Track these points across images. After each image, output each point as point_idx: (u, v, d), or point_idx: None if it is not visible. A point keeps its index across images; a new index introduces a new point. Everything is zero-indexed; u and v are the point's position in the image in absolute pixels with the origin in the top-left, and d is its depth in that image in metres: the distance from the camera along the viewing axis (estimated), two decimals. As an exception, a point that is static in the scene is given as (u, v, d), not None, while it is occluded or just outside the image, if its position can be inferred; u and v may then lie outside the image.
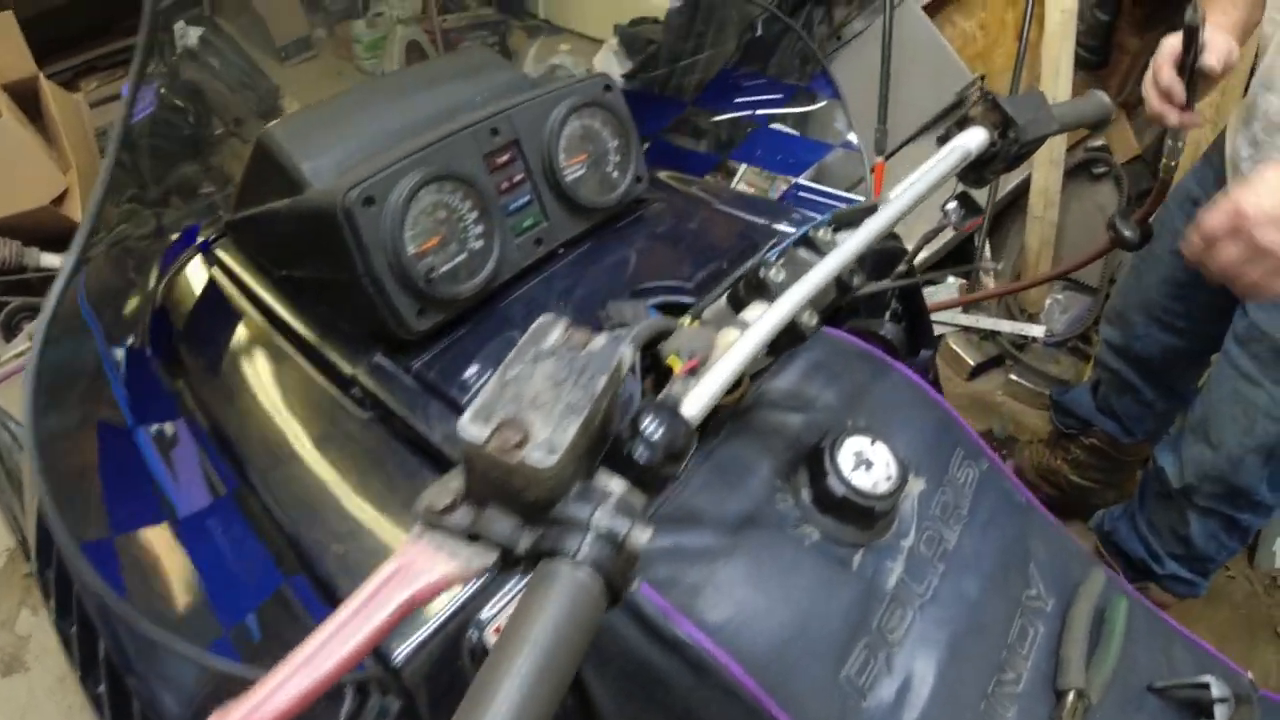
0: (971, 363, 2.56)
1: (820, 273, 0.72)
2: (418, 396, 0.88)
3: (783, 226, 1.09)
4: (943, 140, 0.92)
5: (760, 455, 0.81)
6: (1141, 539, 1.77)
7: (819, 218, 0.81)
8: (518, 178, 1.01)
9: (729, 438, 0.83)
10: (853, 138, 1.19)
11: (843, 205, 1.25)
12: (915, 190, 0.82)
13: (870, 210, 0.81)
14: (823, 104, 1.35)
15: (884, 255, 1.05)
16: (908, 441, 0.85)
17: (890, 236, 1.06)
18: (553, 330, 0.51)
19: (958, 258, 2.75)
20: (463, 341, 0.96)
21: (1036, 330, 2.51)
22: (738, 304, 0.75)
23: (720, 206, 1.19)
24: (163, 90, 3.71)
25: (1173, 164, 1.43)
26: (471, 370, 0.92)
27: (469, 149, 0.96)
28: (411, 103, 1.07)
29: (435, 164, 0.92)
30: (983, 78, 2.75)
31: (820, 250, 0.77)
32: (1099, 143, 2.66)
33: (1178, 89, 1.19)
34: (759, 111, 1.30)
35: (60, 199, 2.96)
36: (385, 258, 0.89)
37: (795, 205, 1.26)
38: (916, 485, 0.83)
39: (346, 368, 0.96)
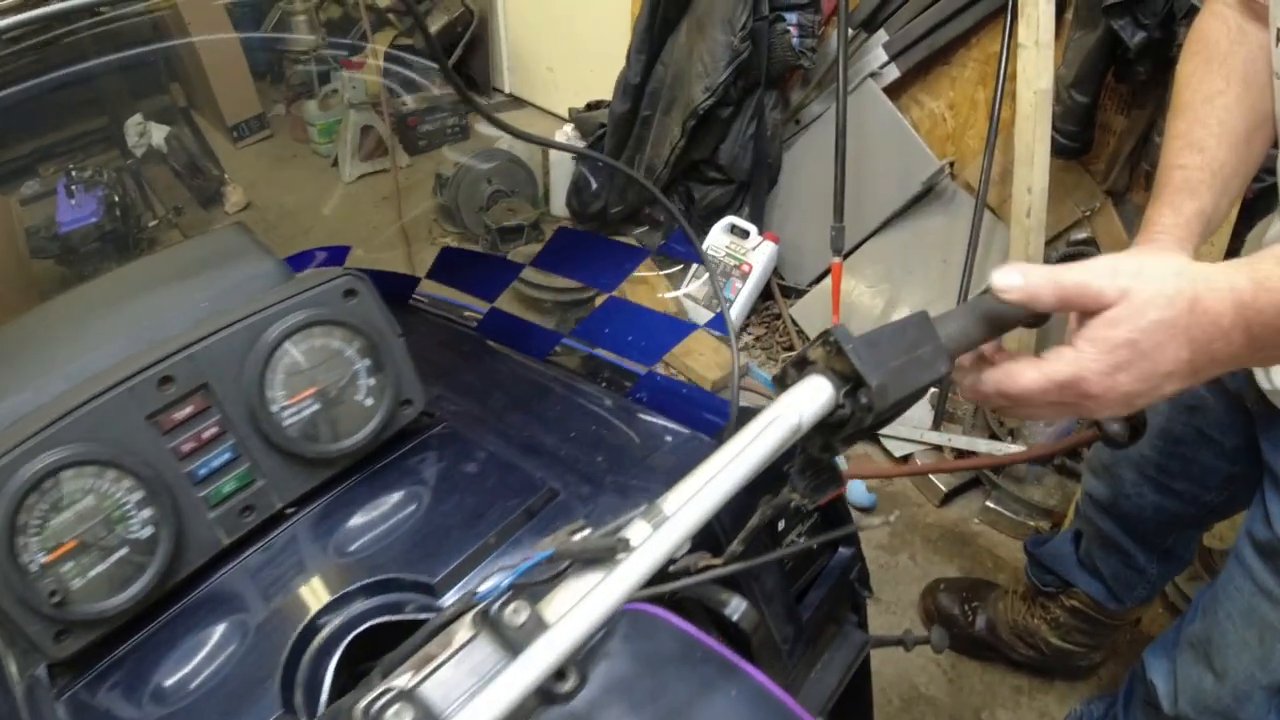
0: (943, 487, 2.27)
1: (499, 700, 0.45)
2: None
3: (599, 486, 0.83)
4: (779, 381, 0.65)
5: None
6: (1124, 748, 1.47)
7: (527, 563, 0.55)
8: (210, 432, 0.76)
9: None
10: (731, 315, 0.93)
11: (702, 407, 0.99)
12: (704, 503, 0.55)
13: (609, 550, 0.55)
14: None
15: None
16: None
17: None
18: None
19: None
20: (128, 661, 0.71)
21: (1015, 450, 2.22)
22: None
23: (542, 421, 0.93)
24: (106, 193, 3.56)
25: None
26: (134, 699, 0.68)
27: (125, 411, 0.71)
28: (106, 327, 0.83)
29: (64, 446, 0.68)
30: (952, 164, 2.50)
31: (506, 635, 0.51)
32: (1084, 235, 2.39)
33: None
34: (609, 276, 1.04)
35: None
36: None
37: (648, 404, 1.00)
38: None
39: (15, 677, 0.72)
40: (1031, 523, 2.20)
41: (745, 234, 2.71)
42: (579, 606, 0.49)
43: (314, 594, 0.73)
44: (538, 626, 0.52)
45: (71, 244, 3.33)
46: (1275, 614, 1.11)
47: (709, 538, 0.76)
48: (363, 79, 3.68)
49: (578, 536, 0.60)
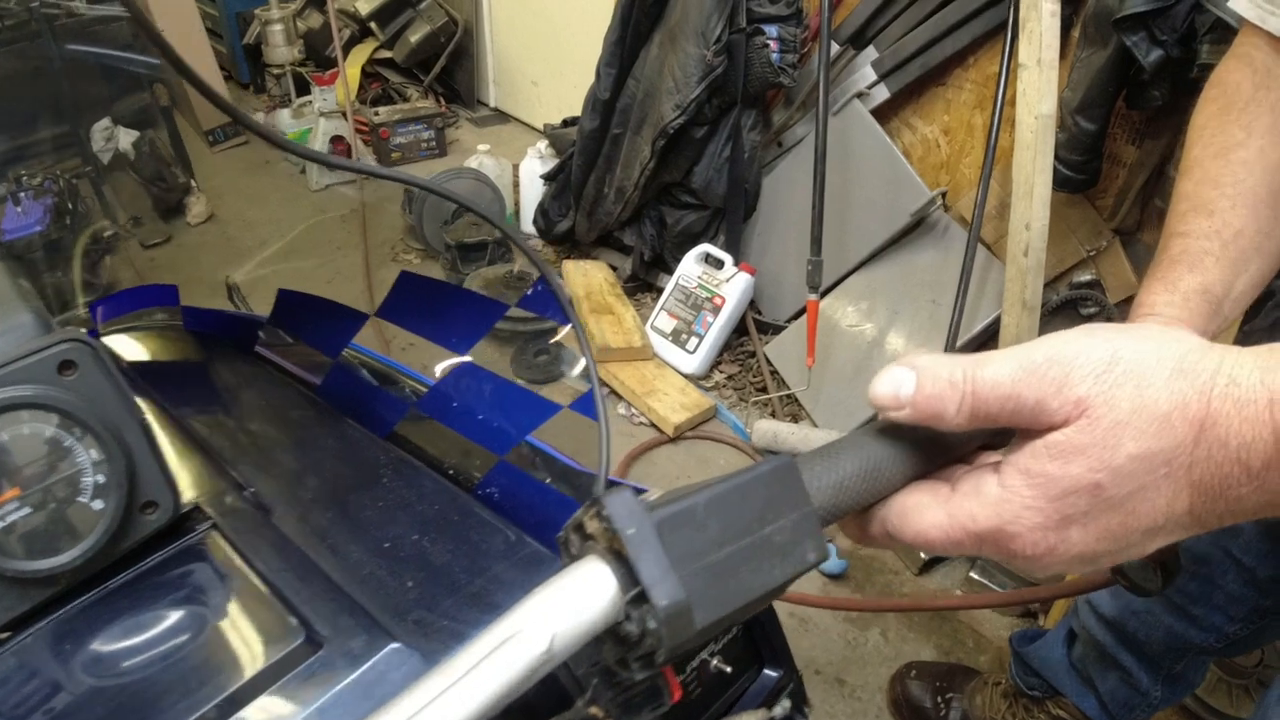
0: (923, 554, 2.04)
1: None
2: None
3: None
4: (562, 546, 0.43)
5: None
6: None
7: None
8: None
9: None
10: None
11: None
12: None
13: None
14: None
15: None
16: None
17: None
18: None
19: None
20: None
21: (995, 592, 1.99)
22: None
23: (324, 543, 0.72)
24: (56, 201, 3.40)
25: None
26: None
27: None
28: None
29: None
30: (945, 194, 2.28)
31: None
32: (1088, 277, 2.16)
33: None
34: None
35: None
36: None
37: (498, 502, 0.79)
38: None
39: None
40: (1010, 637, 1.97)
41: (720, 264, 2.49)
42: None
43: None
44: None
45: (14, 253, 3.16)
46: None
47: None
48: (333, 90, 3.50)
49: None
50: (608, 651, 0.42)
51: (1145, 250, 2.11)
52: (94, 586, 0.66)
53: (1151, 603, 1.22)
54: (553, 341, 2.42)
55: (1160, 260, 0.73)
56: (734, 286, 2.44)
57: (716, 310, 2.44)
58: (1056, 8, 1.83)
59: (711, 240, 2.55)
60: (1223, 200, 0.73)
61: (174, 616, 0.64)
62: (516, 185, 3.16)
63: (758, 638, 0.91)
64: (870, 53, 2.29)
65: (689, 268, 2.52)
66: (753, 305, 2.57)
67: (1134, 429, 0.39)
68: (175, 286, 1.02)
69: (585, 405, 0.75)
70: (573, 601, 0.36)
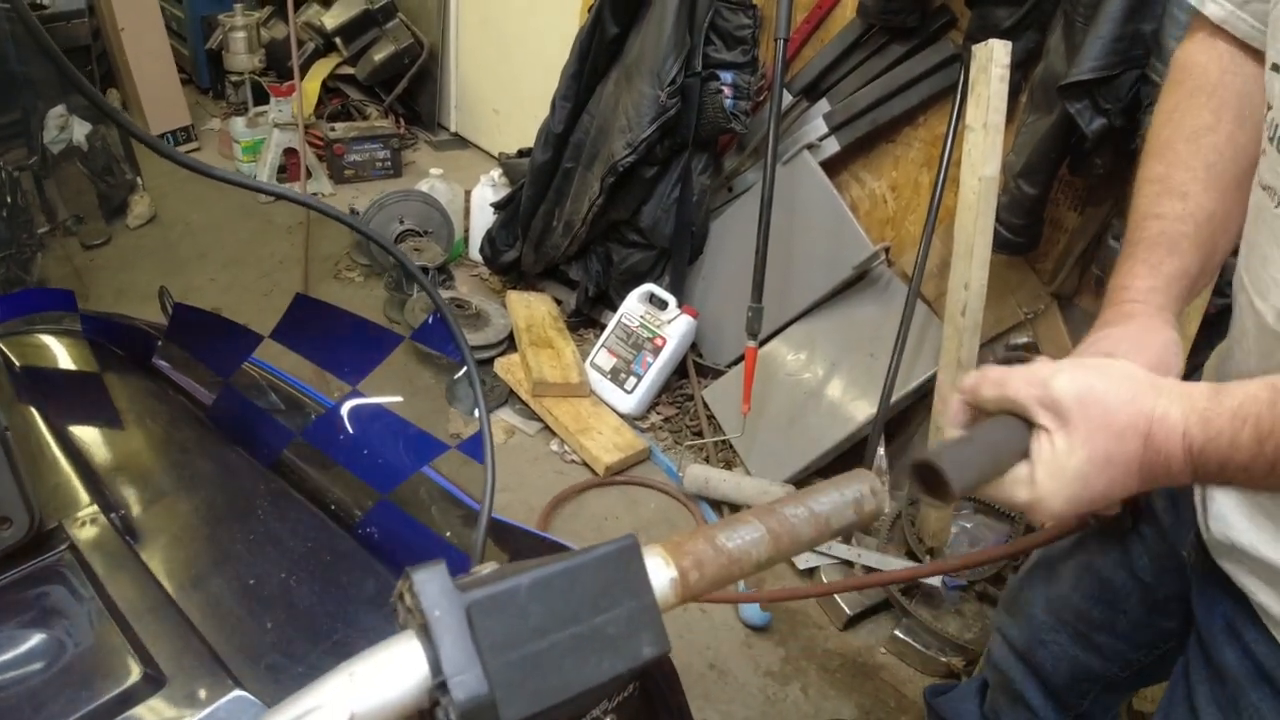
0: (848, 609, 2.02)
1: None
2: None
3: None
4: (395, 616, 0.40)
5: None
6: None
7: None
8: None
9: None
10: (486, 437, 0.68)
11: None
12: None
13: None
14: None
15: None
16: None
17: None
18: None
19: (848, 461, 2.24)
20: None
21: (932, 577, 1.98)
22: None
23: (185, 575, 0.68)
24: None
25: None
26: None
27: None
28: None
29: None
30: (888, 249, 2.29)
31: None
32: (1025, 339, 2.18)
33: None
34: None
35: None
36: None
37: (378, 542, 0.75)
38: None
39: None
40: (944, 659, 1.95)
41: (663, 305, 2.48)
42: None
43: None
44: None
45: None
46: None
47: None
48: (289, 102, 3.45)
49: None
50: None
51: (1082, 315, 2.14)
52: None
53: (1057, 629, 1.20)
54: (455, 378, 2.38)
55: (1138, 241, 0.77)
56: (676, 328, 2.42)
57: (657, 351, 2.42)
58: (1005, 72, 1.85)
59: (656, 280, 2.54)
60: (1195, 184, 0.77)
61: (17, 638, 0.60)
62: (468, 212, 3.12)
63: (655, 696, 0.87)
64: (823, 105, 2.30)
65: (632, 306, 2.50)
66: (694, 348, 2.56)
67: (1102, 434, 0.61)
68: (72, 292, 0.97)
69: (473, 447, 0.72)
70: (378, 681, 0.33)
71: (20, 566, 0.66)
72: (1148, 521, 1.05)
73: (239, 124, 3.76)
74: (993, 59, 1.85)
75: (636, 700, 0.84)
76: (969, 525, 2.16)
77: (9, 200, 3.34)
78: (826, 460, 2.24)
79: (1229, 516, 0.79)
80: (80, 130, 3.69)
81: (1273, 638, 0.75)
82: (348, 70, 4.14)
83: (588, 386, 2.45)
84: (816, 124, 2.30)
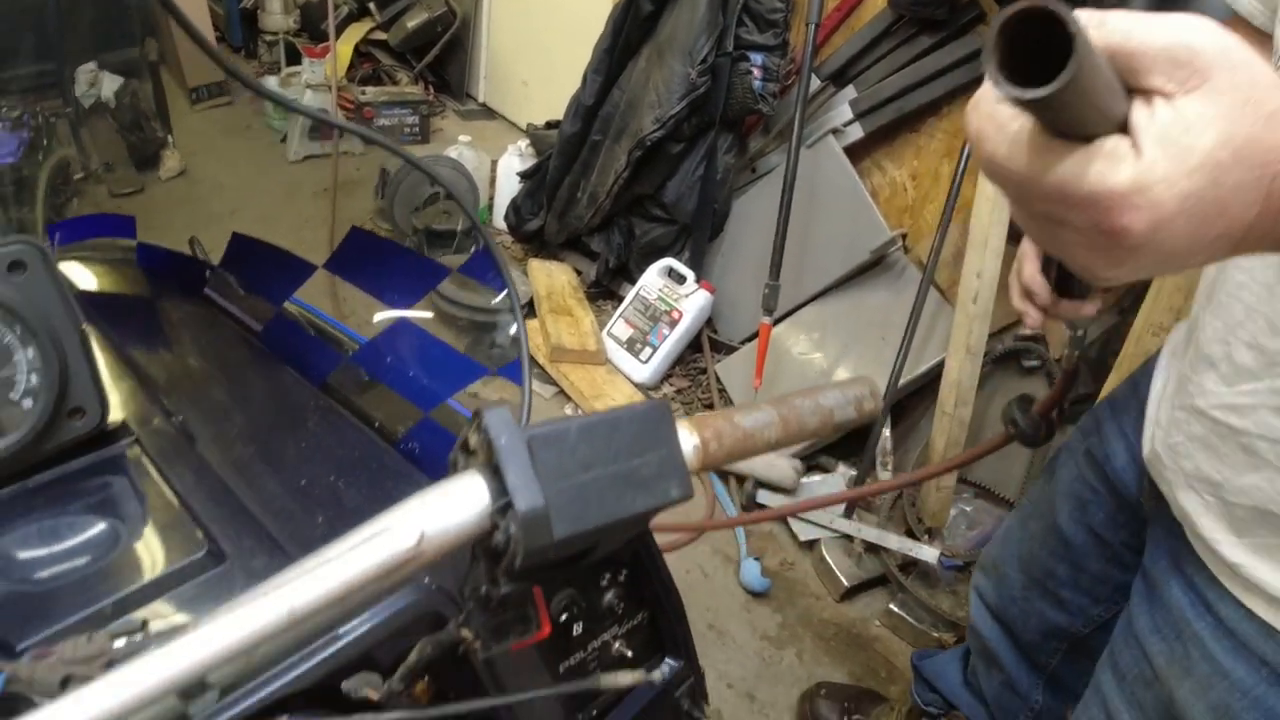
0: (846, 581, 2.08)
1: None
2: None
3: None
4: (451, 465, 0.46)
5: None
6: None
7: None
8: None
9: None
10: (524, 359, 0.74)
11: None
12: (225, 638, 0.36)
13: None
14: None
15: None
16: None
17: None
18: None
19: (851, 443, 2.30)
20: None
21: (928, 553, 2.03)
22: None
23: (244, 475, 0.74)
24: (32, 136, 3.37)
25: (1075, 354, 1.18)
26: None
27: None
28: None
29: None
30: (905, 236, 2.34)
31: None
32: (1031, 330, 2.23)
33: (1038, 285, 0.94)
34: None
35: None
36: None
37: (419, 457, 0.81)
38: None
39: None
40: (936, 634, 2.01)
41: (681, 279, 2.53)
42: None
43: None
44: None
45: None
46: None
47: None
48: (322, 64, 3.51)
49: (118, 642, 0.42)
50: (480, 572, 0.45)
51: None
52: (13, 483, 0.67)
53: (1028, 587, 1.29)
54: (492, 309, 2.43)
55: None
56: (693, 302, 2.48)
57: (673, 324, 2.48)
58: (1028, 68, 1.90)
59: (676, 255, 2.59)
60: None
61: (87, 517, 0.66)
62: (493, 180, 3.18)
63: (663, 627, 0.94)
64: (849, 92, 2.35)
65: (651, 279, 2.56)
66: (709, 323, 2.62)
67: (1249, 112, 0.39)
68: (134, 218, 1.03)
69: (512, 370, 0.78)
70: (445, 506, 0.39)
71: (91, 454, 0.72)
72: (1081, 456, 1.14)
73: (272, 83, 3.81)
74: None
75: (646, 630, 0.91)
76: (968, 509, 2.21)
77: (46, 144, 3.42)
78: (834, 438, 2.30)
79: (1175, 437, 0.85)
80: (110, 85, 3.76)
81: (1213, 577, 0.81)
82: (380, 35, 4.19)
83: (604, 354, 2.51)
84: (842, 110, 2.35)
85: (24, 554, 0.63)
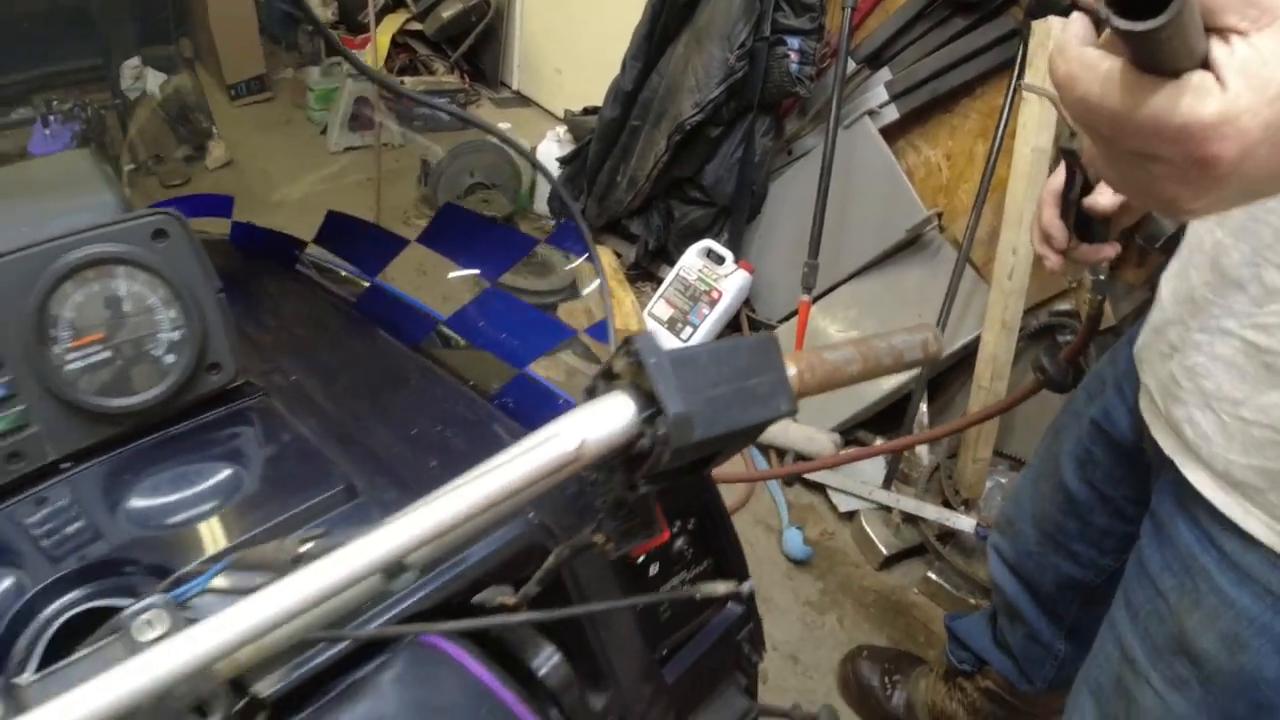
0: (885, 550, 2.15)
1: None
2: None
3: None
4: (588, 393, 0.54)
5: None
6: None
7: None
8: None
9: None
10: (610, 319, 0.81)
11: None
12: (415, 528, 0.44)
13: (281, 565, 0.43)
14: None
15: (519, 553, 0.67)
16: None
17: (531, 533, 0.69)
18: None
19: (889, 420, 2.36)
20: None
21: (964, 523, 2.09)
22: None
23: (358, 424, 0.82)
24: (83, 129, 3.47)
25: (1099, 299, 1.24)
26: None
27: None
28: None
29: None
30: (940, 215, 2.39)
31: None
32: (1067, 306, 2.27)
33: (1057, 229, 0.97)
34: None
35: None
36: None
37: (513, 411, 0.88)
38: None
39: None
40: (973, 600, 2.08)
41: (720, 260, 2.60)
42: (214, 628, 0.38)
43: (50, 566, 0.62)
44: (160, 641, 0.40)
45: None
46: (1139, 688, 0.99)
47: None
48: (362, 54, 3.59)
49: (304, 546, 0.50)
50: (618, 480, 0.53)
51: (1123, 288, 2.23)
52: (157, 431, 0.75)
53: (1042, 542, 1.36)
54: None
55: None
56: (732, 282, 2.55)
57: (713, 303, 2.54)
58: (1062, 48, 1.94)
59: (715, 237, 2.66)
60: None
61: (227, 461, 0.74)
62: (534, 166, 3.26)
63: (726, 574, 1.01)
64: (884, 74, 2.40)
65: (690, 260, 2.63)
66: (747, 303, 2.68)
67: None
68: (232, 198, 1.11)
69: (598, 331, 0.85)
70: (599, 418, 0.47)
71: (226, 405, 0.80)
72: (1096, 412, 1.19)
73: (314, 73, 3.90)
74: (1051, 35, 1.95)
75: (711, 574, 0.99)
76: (1003, 480, 2.27)
77: (97, 136, 3.53)
78: (869, 414, 2.36)
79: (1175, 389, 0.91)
80: (154, 80, 3.87)
81: (1216, 512, 0.86)
82: (415, 26, 4.27)
83: (644, 326, 2.59)
84: (877, 91, 2.40)
85: (174, 495, 0.71)
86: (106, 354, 0.71)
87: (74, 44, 4.07)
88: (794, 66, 2.37)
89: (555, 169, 3.03)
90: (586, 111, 3.10)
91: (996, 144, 2.18)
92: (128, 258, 0.70)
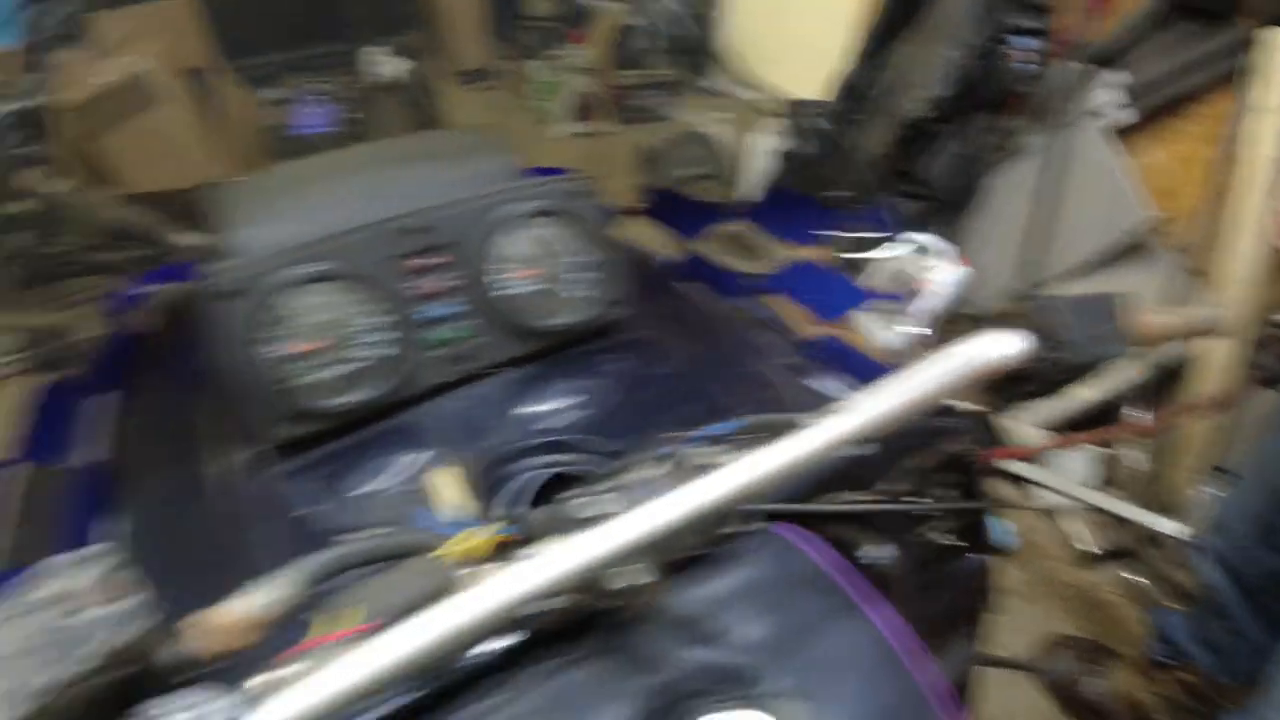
0: (1086, 549, 2.21)
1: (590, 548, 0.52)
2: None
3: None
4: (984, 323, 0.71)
5: (615, 698, 0.61)
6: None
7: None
8: (447, 284, 0.86)
9: (592, 656, 0.63)
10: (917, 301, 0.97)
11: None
12: (885, 404, 0.60)
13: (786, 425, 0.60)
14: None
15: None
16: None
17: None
18: (53, 580, 0.37)
19: (1100, 421, 2.39)
20: (330, 460, 0.83)
21: (1168, 528, 2.12)
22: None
23: (721, 352, 1.00)
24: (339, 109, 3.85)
25: None
26: (336, 485, 0.81)
27: (378, 247, 0.82)
28: (372, 180, 0.95)
29: (327, 260, 0.79)
30: (1161, 220, 2.40)
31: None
32: (1290, 315, 2.24)
33: None
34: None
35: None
36: (240, 358, 0.76)
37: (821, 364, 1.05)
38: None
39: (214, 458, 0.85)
40: (1170, 604, 2.11)
41: (937, 253, 2.68)
42: (754, 463, 0.55)
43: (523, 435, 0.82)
44: (710, 469, 0.57)
45: (300, 147, 3.66)
46: None
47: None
48: (582, 48, 3.84)
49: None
50: (988, 397, 0.68)
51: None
52: (572, 348, 0.95)
53: (1252, 537, 1.46)
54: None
55: None
56: (948, 275, 2.62)
57: (928, 295, 2.62)
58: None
59: (932, 230, 2.74)
60: None
61: (637, 376, 0.93)
62: (740, 156, 3.40)
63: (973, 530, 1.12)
64: (1111, 75, 2.42)
65: (906, 252, 2.71)
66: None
67: None
68: (563, 169, 1.32)
69: (895, 298, 1.00)
70: (1002, 349, 0.62)
71: (622, 336, 0.99)
72: None
73: (537, 65, 4.19)
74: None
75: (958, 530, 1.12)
76: (1209, 489, 2.27)
77: (346, 116, 3.95)
78: (1079, 419, 2.40)
79: None
80: (394, 66, 4.24)
81: None
82: (629, 21, 4.48)
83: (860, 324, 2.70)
84: (1103, 93, 2.42)
85: (606, 395, 0.90)
86: (540, 285, 0.92)
87: (326, 31, 4.52)
88: (1019, 66, 2.43)
89: (765, 160, 3.16)
90: (805, 104, 3.22)
91: (1224, 151, 2.17)
92: (568, 210, 0.91)
